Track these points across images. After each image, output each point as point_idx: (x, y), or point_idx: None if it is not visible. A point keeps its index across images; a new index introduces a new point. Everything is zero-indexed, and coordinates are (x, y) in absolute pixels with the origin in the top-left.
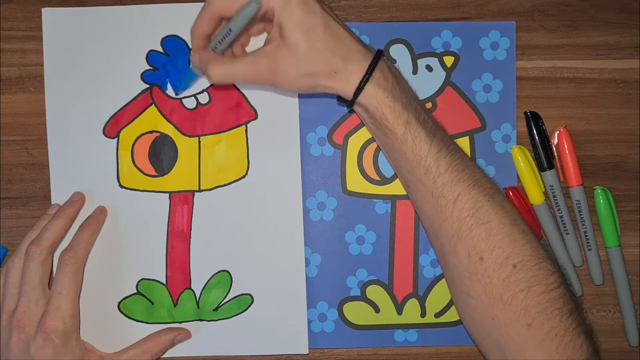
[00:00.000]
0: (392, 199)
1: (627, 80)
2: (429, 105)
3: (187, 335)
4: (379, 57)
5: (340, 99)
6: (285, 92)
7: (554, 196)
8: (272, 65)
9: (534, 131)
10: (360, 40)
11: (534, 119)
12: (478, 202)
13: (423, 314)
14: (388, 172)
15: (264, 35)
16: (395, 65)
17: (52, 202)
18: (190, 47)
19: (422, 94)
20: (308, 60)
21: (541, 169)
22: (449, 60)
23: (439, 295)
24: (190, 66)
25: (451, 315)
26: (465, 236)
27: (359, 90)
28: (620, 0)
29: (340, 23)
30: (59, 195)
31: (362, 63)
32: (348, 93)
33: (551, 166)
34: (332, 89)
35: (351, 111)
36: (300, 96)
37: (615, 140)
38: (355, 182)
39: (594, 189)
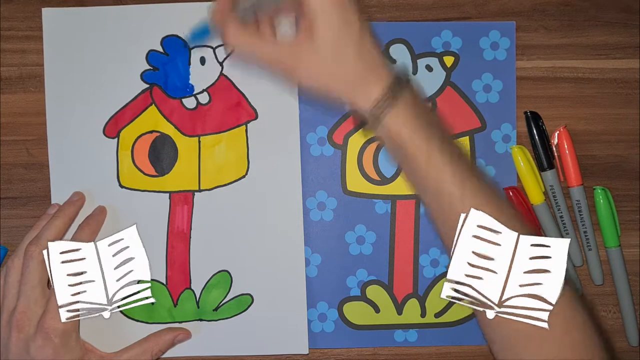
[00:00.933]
0: (392, 198)
1: (627, 80)
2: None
3: (187, 335)
4: (401, 80)
5: (356, 115)
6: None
7: (554, 196)
8: (294, 61)
9: (534, 131)
10: (387, 61)
11: (534, 119)
12: None
13: (423, 314)
14: (388, 172)
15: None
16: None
17: (52, 202)
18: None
19: None
20: (330, 72)
21: (541, 169)
22: (449, 60)
23: (439, 295)
24: (207, 22)
25: (451, 315)
26: None
27: (376, 115)
28: (620, 0)
29: (373, 39)
30: (59, 195)
31: (383, 85)
32: (364, 114)
33: (551, 166)
34: (348, 105)
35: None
36: (301, 96)
37: (615, 140)
38: (355, 182)
39: (594, 189)
